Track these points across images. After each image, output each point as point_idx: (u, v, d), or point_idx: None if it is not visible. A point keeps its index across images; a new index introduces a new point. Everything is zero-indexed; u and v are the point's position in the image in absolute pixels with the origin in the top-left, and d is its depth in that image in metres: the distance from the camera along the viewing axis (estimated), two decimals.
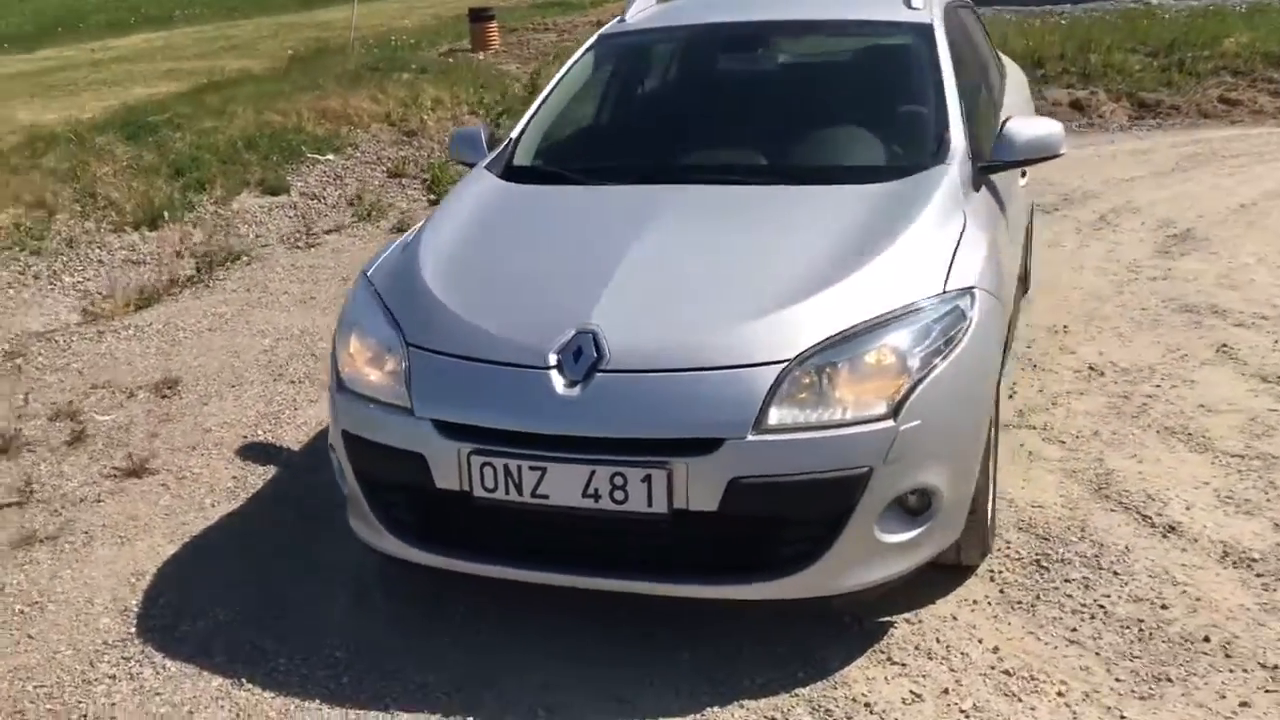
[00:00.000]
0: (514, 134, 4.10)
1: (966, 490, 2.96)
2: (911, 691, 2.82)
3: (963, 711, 2.74)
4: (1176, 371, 4.70)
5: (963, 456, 2.92)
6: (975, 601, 3.19)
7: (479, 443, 2.84)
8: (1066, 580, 3.26)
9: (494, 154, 4.02)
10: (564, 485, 2.77)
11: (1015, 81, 5.49)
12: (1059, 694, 2.78)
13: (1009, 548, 3.45)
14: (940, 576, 3.23)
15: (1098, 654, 2.93)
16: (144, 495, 4.15)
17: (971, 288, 3.01)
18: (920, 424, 2.77)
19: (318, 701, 2.91)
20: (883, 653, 2.97)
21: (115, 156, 9.02)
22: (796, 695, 2.82)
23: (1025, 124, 3.71)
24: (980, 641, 3.00)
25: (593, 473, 2.74)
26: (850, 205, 3.31)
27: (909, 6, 4.15)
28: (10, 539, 3.88)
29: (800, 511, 2.76)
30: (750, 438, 2.69)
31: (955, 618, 3.12)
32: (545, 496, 2.80)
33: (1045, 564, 3.35)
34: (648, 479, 2.71)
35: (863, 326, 2.83)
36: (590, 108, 4.38)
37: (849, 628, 3.07)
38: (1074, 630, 3.03)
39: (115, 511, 4.03)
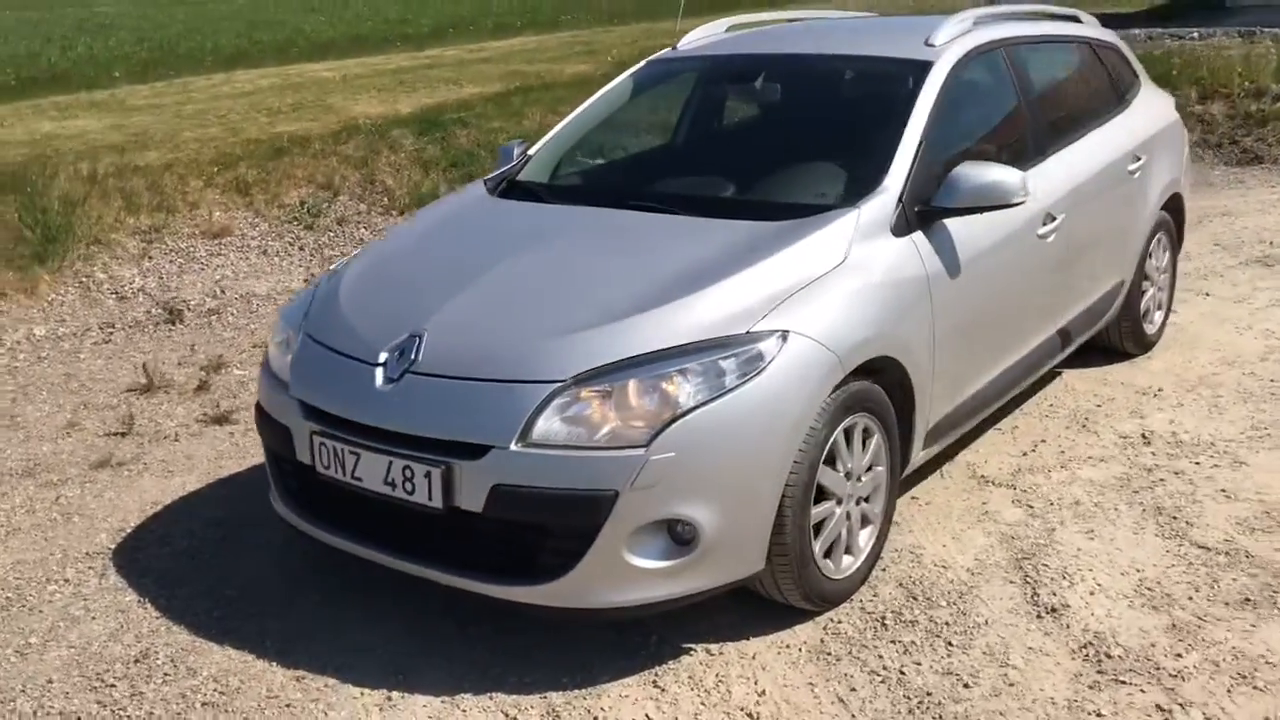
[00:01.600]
0: (531, 150, 4.42)
1: (745, 528, 2.97)
2: (646, 715, 2.90)
3: None
4: (1235, 451, 4.25)
5: (732, 495, 2.93)
6: (788, 645, 3.18)
7: (320, 424, 3.22)
8: (894, 641, 3.17)
9: (508, 167, 4.36)
10: (372, 471, 3.09)
11: (1149, 122, 5.09)
12: None
13: (870, 599, 3.38)
14: (779, 614, 3.25)
15: (852, 718, 2.86)
16: (211, 441, 4.85)
17: (785, 331, 3.01)
18: (675, 456, 2.85)
19: (184, 629, 3.39)
20: (654, 675, 3.05)
21: (404, 148, 10.15)
22: (545, 699, 2.98)
23: (974, 169, 3.57)
24: (754, 684, 3.01)
25: (390, 463, 3.04)
26: (726, 240, 3.37)
27: (926, 44, 4.05)
28: (93, 461, 4.69)
29: (553, 523, 2.92)
30: (513, 448, 2.88)
31: (755, 656, 3.13)
32: (360, 479, 3.13)
33: (889, 622, 3.26)
34: (429, 475, 2.97)
35: (645, 356, 2.94)
36: (613, 130, 4.61)
37: (643, 646, 3.16)
38: (853, 690, 2.97)
39: (180, 451, 4.76)
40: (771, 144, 4.07)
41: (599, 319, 3.06)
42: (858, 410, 3.25)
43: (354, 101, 13.87)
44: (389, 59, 19.72)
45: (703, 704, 2.93)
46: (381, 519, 3.17)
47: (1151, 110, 5.25)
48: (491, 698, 2.99)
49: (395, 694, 3.02)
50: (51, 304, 7.05)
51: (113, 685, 3.12)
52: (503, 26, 25.47)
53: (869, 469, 3.38)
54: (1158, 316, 5.44)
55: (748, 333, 2.99)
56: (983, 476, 4.14)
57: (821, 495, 3.20)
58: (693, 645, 3.17)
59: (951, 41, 4.08)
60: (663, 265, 3.29)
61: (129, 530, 4.06)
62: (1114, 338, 5.20)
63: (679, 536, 2.92)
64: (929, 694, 2.93)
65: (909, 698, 2.92)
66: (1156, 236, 5.23)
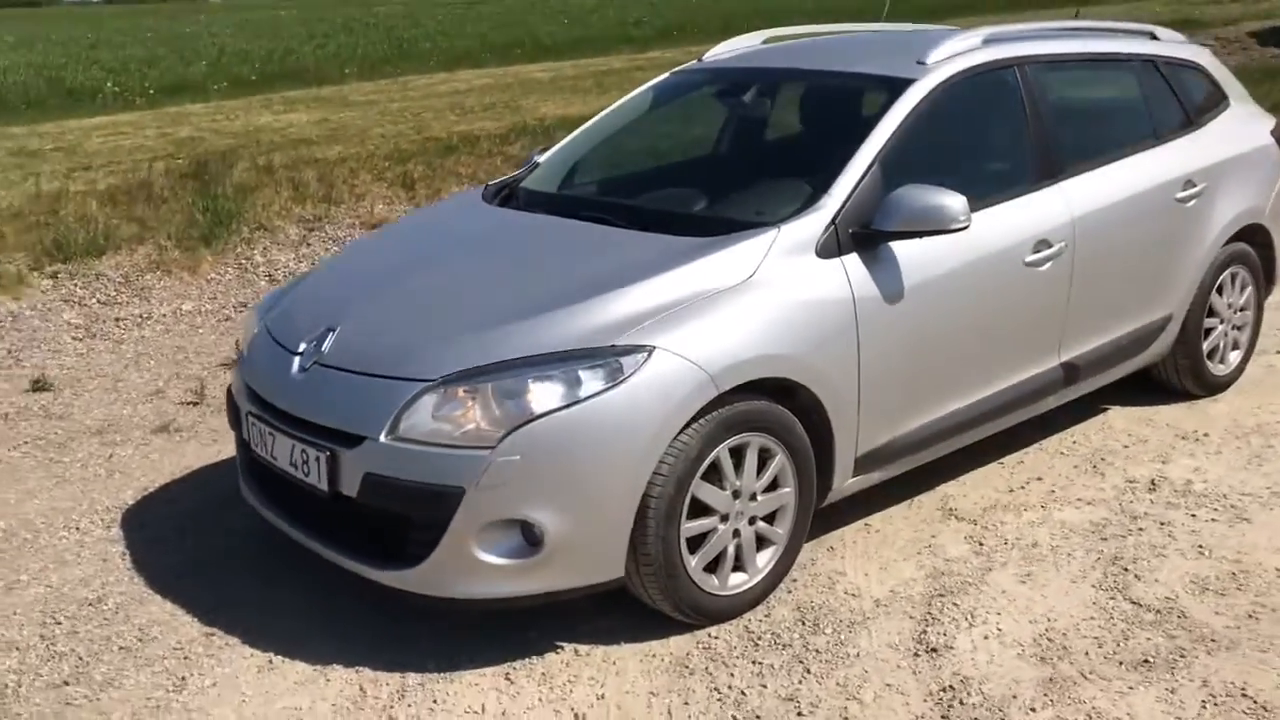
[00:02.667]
0: (541, 158, 4.59)
1: (596, 535, 3.04)
2: (483, 705, 3.02)
3: None
4: (1246, 507, 3.96)
5: (580, 501, 3.00)
6: (655, 654, 3.22)
7: (253, 405, 3.52)
8: (756, 662, 3.16)
9: (517, 173, 4.55)
10: (283, 452, 3.35)
11: (1222, 147, 4.77)
12: None
13: (761, 618, 3.37)
14: (665, 624, 3.30)
15: None
16: None
17: (651, 347, 3.06)
18: (520, 459, 2.96)
19: (143, 582, 3.75)
20: (511, 668, 3.16)
21: None
22: (403, 678, 3.13)
23: (914, 192, 3.49)
24: (600, 686, 3.08)
25: (294, 446, 3.30)
26: (641, 253, 3.43)
27: (918, 62, 3.96)
28: (156, 425, 5.19)
29: (413, 513, 3.08)
30: (382, 440, 3.07)
31: (617, 661, 3.20)
32: (275, 459, 3.40)
33: (763, 643, 3.25)
34: (319, 459, 3.20)
35: (511, 361, 3.06)
36: (621, 140, 4.69)
37: (519, 641, 3.27)
38: (685, 705, 2.98)
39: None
40: (740, 159, 4.09)
41: (481, 323, 3.20)
42: (748, 430, 3.25)
43: (545, 102, 14.42)
44: (606, 61, 20.30)
45: (539, 700, 3.03)
46: (294, 497, 3.42)
47: (1231, 134, 4.89)
48: (357, 671, 3.18)
49: (278, 658, 3.25)
50: (209, 282, 7.74)
51: (59, 623, 3.50)
52: (731, 29, 25.62)
53: (770, 490, 3.36)
54: (1233, 357, 5.06)
55: (612, 346, 3.06)
56: (952, 509, 4.01)
57: (703, 510, 3.22)
58: (565, 644, 3.26)
59: (946, 60, 3.96)
60: (571, 275, 3.39)
61: (151, 490, 4.49)
62: (1170, 376, 4.89)
63: (529, 536, 3.02)
64: (758, 718, 2.91)
65: (736, 718, 2.91)
66: (1230, 270, 4.86)
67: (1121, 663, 3.07)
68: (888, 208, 3.47)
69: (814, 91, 4.25)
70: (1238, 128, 4.95)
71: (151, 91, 15.57)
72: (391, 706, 3.01)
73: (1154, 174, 4.46)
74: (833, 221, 3.48)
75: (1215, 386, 4.98)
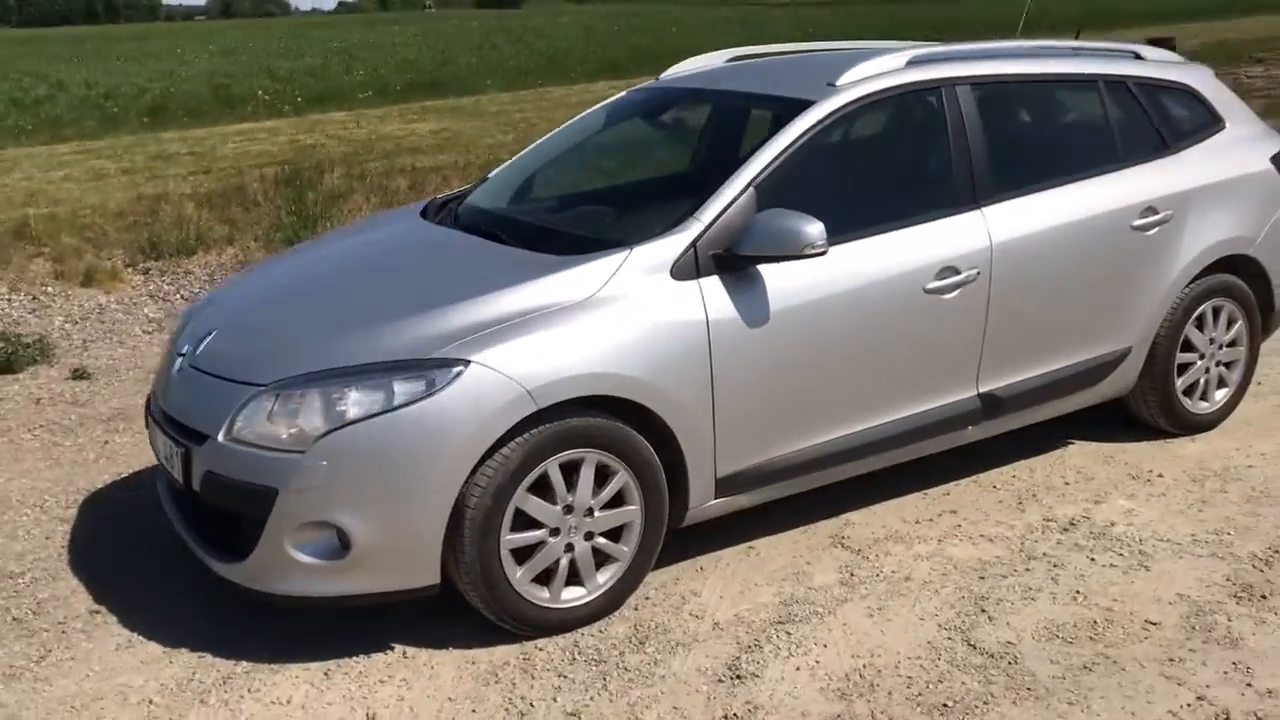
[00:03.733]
0: (492, 173, 4.73)
1: (405, 542, 3.14)
2: (290, 696, 3.17)
3: None
4: (1158, 554, 3.77)
5: (387, 508, 3.11)
6: (475, 661, 3.30)
7: (152, 400, 3.78)
8: (564, 676, 3.20)
9: (464, 189, 4.71)
10: (160, 446, 3.60)
11: (1200, 173, 4.53)
12: None
13: (594, 633, 3.40)
14: (501, 633, 3.38)
15: None
16: None
17: (466, 361, 3.16)
18: (329, 465, 3.10)
19: (75, 559, 4.06)
20: (335, 664, 3.28)
21: None
22: (235, 664, 3.30)
23: (773, 217, 3.47)
24: (406, 688, 3.18)
25: (165, 441, 3.54)
26: (496, 269, 3.52)
27: (828, 84, 3.93)
28: None
29: (240, 511, 3.26)
30: (219, 439, 3.27)
31: (437, 665, 3.29)
32: (158, 452, 3.65)
33: (580, 657, 3.28)
34: (177, 455, 3.43)
35: (335, 369, 3.21)
36: (565, 157, 4.76)
37: (358, 638, 3.39)
38: (473, 712, 3.06)
39: None
40: (639, 180, 4.12)
41: (328, 332, 3.36)
42: (583, 446, 3.30)
43: None
44: None
45: (344, 696, 3.15)
46: (174, 491, 3.65)
47: (1218, 159, 4.62)
48: (200, 656, 3.37)
49: (139, 639, 3.48)
50: None
51: None
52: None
53: (612, 506, 3.40)
54: (1219, 395, 4.77)
55: (429, 358, 3.16)
56: (844, 537, 3.95)
57: (531, 523, 3.29)
58: (397, 645, 3.38)
59: (857, 82, 3.91)
60: (431, 287, 3.51)
61: (124, 476, 4.83)
62: (1141, 411, 4.66)
63: (341, 539, 3.16)
64: None
65: None
66: (1211, 303, 4.60)
67: (919, 705, 2.99)
68: (747, 232, 3.46)
69: (721, 113, 4.25)
70: (1229, 152, 4.68)
71: (299, 100, 16.45)
72: (208, 692, 3.19)
73: (1105, 200, 4.27)
74: (693, 244, 3.48)
75: (1193, 425, 4.71)
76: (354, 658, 3.33)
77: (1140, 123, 4.52)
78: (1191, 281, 4.50)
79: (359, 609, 3.37)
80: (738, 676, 3.15)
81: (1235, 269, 4.63)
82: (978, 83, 4.15)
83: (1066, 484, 4.33)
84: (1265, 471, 4.34)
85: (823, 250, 3.44)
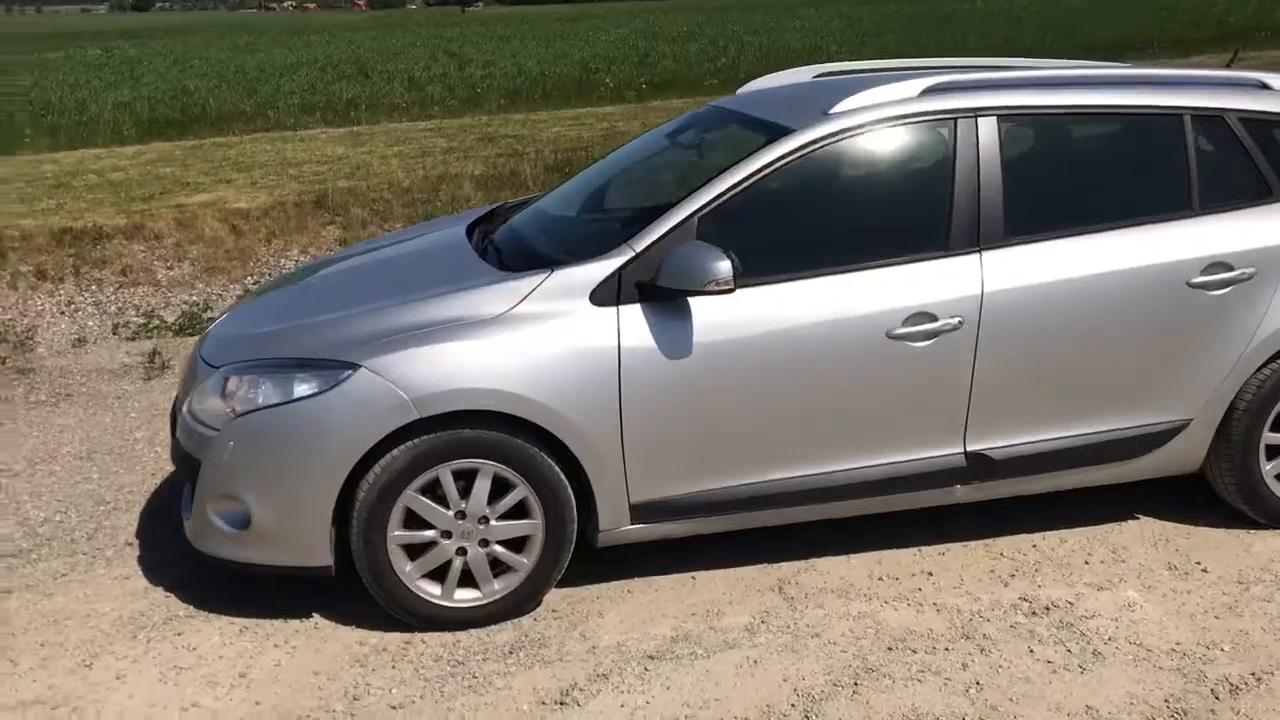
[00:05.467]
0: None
1: (295, 524, 3.43)
2: (186, 645, 3.57)
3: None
4: (1117, 658, 3.37)
5: (277, 491, 3.42)
6: (361, 643, 3.56)
7: None
8: (417, 670, 3.38)
9: (524, 199, 4.95)
10: None
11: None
12: None
13: (481, 636, 3.55)
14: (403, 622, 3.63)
15: (274, 710, 3.27)
16: None
17: (356, 365, 3.41)
18: (235, 445, 3.47)
19: (50, 497, 4.75)
20: (251, 624, 3.68)
21: None
22: (158, 610, 3.76)
23: (687, 250, 3.44)
24: (281, 652, 3.50)
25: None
26: (448, 281, 3.71)
27: (823, 112, 3.79)
28: None
29: (185, 476, 3.71)
30: (183, 410, 3.73)
31: (324, 639, 3.57)
32: None
33: (444, 657, 3.45)
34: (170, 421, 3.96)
35: (270, 360, 3.57)
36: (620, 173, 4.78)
37: (291, 603, 3.75)
38: (312, 683, 3.34)
39: None
40: (620, 200, 4.14)
41: (285, 325, 3.74)
42: (478, 456, 3.46)
43: None
44: None
45: (238, 652, 3.49)
46: None
47: None
48: (167, 596, 3.84)
49: (139, 572, 4.03)
50: None
51: None
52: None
53: (511, 517, 3.53)
54: None
55: (327, 359, 3.45)
56: (789, 583, 3.82)
57: (424, 523, 3.50)
58: (316, 614, 3.70)
59: (852, 111, 3.73)
60: (382, 293, 3.78)
61: (122, 433, 5.34)
62: (1222, 493, 4.11)
63: (244, 513, 3.52)
64: (351, 716, 3.19)
65: (333, 709, 3.21)
66: None
67: None
68: (664, 263, 3.45)
69: (722, 138, 4.16)
70: None
71: (644, 86, 17.12)
72: (144, 628, 3.64)
73: (1154, 251, 3.78)
74: (618, 271, 3.51)
75: None
76: (274, 620, 3.69)
77: (1237, 165, 3.93)
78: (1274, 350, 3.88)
79: (284, 579, 3.70)
80: (561, 703, 3.19)
81: None
82: (1007, 114, 3.80)
83: (1087, 562, 3.91)
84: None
85: (725, 289, 3.36)
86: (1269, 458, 3.99)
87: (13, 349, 6.69)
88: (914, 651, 3.39)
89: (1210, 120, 3.93)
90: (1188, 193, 3.87)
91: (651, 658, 3.40)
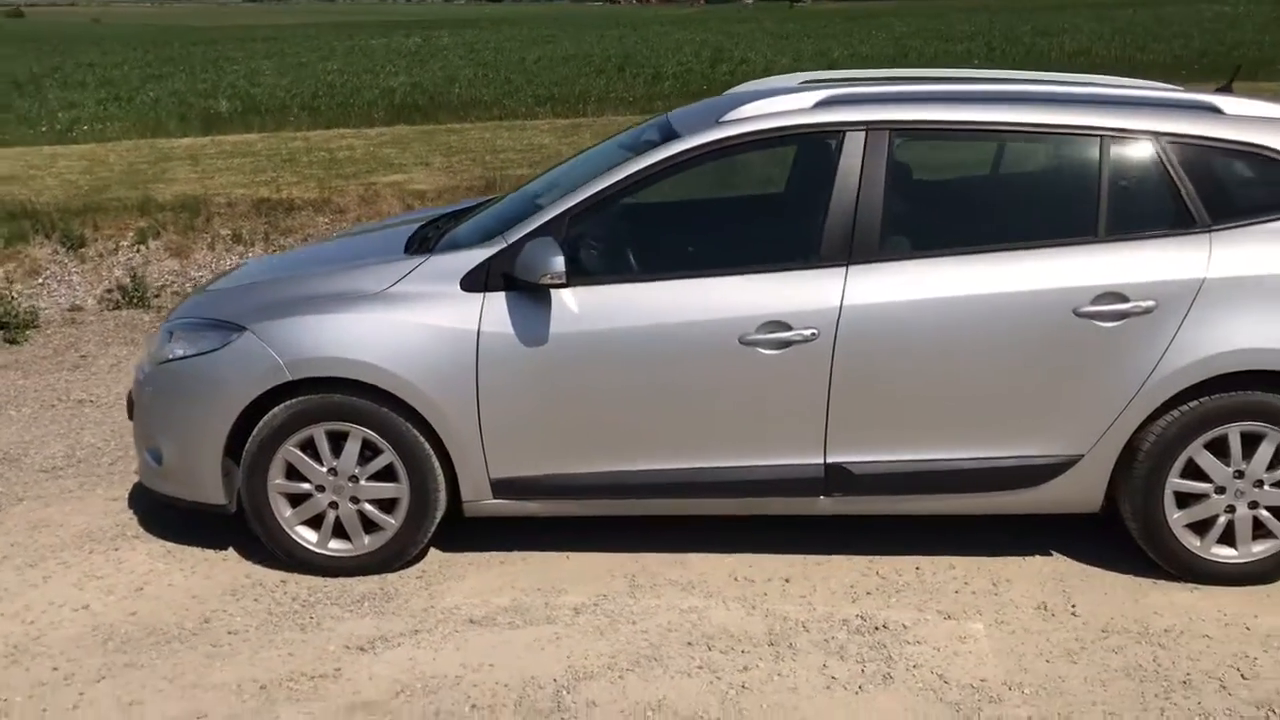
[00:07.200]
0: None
1: (191, 465, 3.91)
2: (118, 560, 4.15)
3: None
4: (908, 678, 3.36)
5: (176, 435, 3.92)
6: (249, 575, 4.00)
7: None
8: (268, 607, 3.80)
9: None
10: None
11: (1227, 263, 3.64)
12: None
13: (344, 585, 3.91)
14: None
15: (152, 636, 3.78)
16: None
17: (243, 327, 3.86)
18: (151, 391, 4.02)
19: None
20: (173, 548, 4.22)
21: None
22: (135, 529, 4.38)
23: (533, 245, 3.67)
24: (183, 575, 4.00)
25: None
26: (359, 262, 4.12)
27: (717, 120, 3.89)
28: None
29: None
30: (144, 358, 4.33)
31: (217, 568, 4.06)
32: None
33: (300, 599, 3.85)
34: None
35: (191, 319, 4.09)
36: None
37: (225, 533, 4.28)
38: (184, 606, 3.82)
39: None
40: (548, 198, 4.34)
41: (230, 290, 4.26)
42: (349, 420, 3.82)
43: None
44: None
45: (149, 570, 4.01)
46: None
47: (1270, 246, 3.66)
48: (130, 516, 4.45)
49: (122, 495, 4.68)
50: None
51: None
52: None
53: (379, 479, 3.89)
54: (1258, 547, 3.79)
55: (224, 320, 3.92)
56: (639, 570, 3.96)
57: (301, 476, 3.92)
58: (230, 546, 4.19)
59: (740, 120, 3.82)
60: (312, 266, 4.23)
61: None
62: (1134, 537, 3.91)
63: (158, 451, 4.05)
64: (210, 643, 3.65)
65: (185, 628, 3.67)
66: (1236, 426, 3.68)
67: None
68: (519, 255, 3.69)
69: (644, 143, 4.28)
70: None
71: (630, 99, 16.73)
72: (98, 542, 4.25)
73: (1038, 278, 3.64)
74: (488, 260, 3.78)
75: (1204, 573, 3.80)
76: (198, 549, 4.20)
77: (1159, 192, 3.71)
78: (1190, 391, 3.64)
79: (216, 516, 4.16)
80: (361, 649, 3.51)
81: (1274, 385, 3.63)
82: (901, 129, 3.77)
83: (957, 591, 3.82)
84: (1223, 651, 3.45)
85: (560, 283, 3.57)
86: (1180, 505, 3.74)
87: None
88: (710, 649, 3.47)
89: (1133, 143, 3.72)
90: (1093, 218, 3.69)
91: (472, 622, 3.65)
